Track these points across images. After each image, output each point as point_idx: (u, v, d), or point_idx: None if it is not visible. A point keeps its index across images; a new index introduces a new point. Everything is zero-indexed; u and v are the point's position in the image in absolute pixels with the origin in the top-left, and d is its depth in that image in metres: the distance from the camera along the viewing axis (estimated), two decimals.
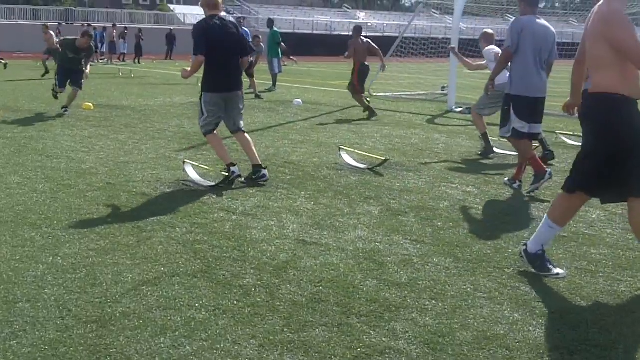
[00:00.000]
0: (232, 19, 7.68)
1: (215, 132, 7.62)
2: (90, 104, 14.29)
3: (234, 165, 7.39)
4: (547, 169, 7.49)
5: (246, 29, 18.62)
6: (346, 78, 15.46)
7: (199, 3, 7.67)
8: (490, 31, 10.46)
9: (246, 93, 17.94)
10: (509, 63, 7.54)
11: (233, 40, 7.46)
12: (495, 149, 10.02)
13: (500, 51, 8.29)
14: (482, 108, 10.10)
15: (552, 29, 7.69)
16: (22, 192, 6.88)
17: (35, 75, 23.51)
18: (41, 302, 4.20)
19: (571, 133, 11.17)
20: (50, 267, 4.79)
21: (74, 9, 55.19)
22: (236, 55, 7.55)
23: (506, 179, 7.95)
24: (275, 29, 20.66)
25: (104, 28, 37.63)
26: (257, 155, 7.65)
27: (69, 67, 13.28)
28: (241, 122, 7.72)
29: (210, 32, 7.29)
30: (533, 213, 6.73)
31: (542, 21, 7.62)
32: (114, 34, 36.33)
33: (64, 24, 38.00)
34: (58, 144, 9.74)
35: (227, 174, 7.42)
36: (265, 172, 7.55)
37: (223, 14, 7.49)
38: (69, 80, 13.38)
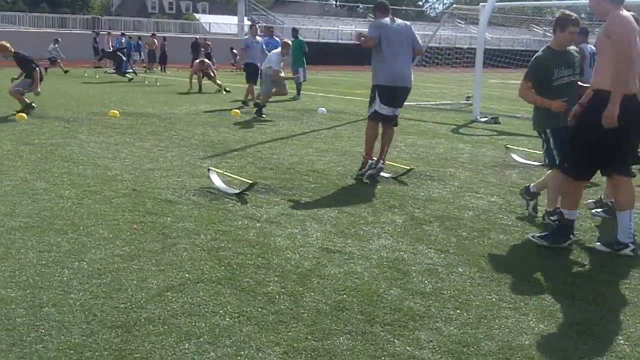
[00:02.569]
0: None
1: None
2: (117, 112, 14.43)
3: None
4: (371, 160, 8.52)
5: (277, 38, 18.66)
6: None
7: None
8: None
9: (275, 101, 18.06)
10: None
11: None
12: (518, 159, 10.02)
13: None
14: None
15: (407, 24, 8.63)
16: (48, 197, 6.95)
17: (63, 82, 23.72)
18: (67, 306, 4.23)
19: None
20: (76, 272, 4.83)
21: (100, 17, 55.73)
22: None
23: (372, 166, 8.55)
24: (300, 37, 20.71)
25: (139, 37, 37.85)
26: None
27: None
28: None
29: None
30: None
31: (398, 21, 8.57)
32: (155, 43, 36.33)
33: (101, 32, 38.24)
34: (84, 150, 9.83)
35: (251, 182, 7.46)
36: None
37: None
38: None
